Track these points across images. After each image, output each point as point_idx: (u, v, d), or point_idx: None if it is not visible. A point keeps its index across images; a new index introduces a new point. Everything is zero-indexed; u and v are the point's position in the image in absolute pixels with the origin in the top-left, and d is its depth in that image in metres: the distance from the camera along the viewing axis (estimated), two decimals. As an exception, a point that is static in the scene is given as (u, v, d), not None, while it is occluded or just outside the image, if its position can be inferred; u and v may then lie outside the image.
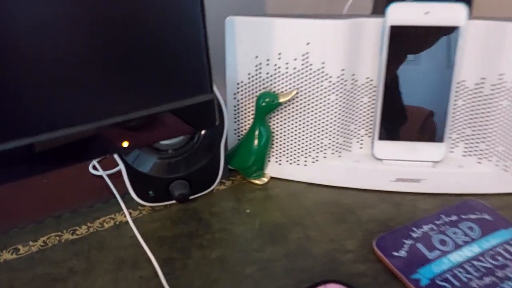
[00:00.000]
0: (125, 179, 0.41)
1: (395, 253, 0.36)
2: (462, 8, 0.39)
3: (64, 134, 0.31)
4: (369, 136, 0.44)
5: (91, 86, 0.30)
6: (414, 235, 0.38)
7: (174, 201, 0.42)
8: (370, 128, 0.44)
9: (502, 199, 0.43)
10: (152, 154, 0.40)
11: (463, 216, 0.40)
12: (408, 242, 0.37)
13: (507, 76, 0.40)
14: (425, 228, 0.38)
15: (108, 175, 0.47)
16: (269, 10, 0.64)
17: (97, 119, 0.31)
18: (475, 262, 0.35)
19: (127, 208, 0.42)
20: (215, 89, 0.38)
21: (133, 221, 0.41)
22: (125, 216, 0.41)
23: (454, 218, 0.40)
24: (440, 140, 0.43)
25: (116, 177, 0.46)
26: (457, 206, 0.41)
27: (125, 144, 0.33)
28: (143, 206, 0.43)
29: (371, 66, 0.42)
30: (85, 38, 0.29)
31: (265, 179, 0.45)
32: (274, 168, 0.46)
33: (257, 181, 0.45)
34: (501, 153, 0.42)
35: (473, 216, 0.40)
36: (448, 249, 0.36)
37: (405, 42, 0.40)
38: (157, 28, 0.31)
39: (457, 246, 0.37)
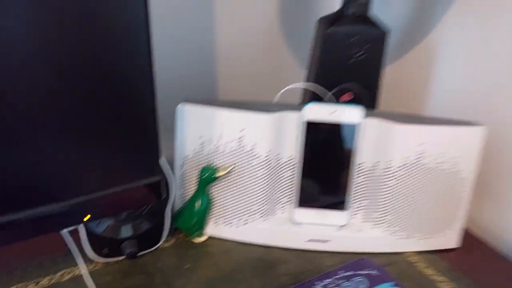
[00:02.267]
0: (83, 238, 0.48)
1: (303, 302, 0.46)
2: (359, 110, 0.51)
3: (27, 215, 0.38)
4: (290, 204, 0.55)
5: (52, 167, 0.38)
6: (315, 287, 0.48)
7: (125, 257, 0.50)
8: (291, 197, 0.54)
9: (389, 258, 0.54)
10: (107, 218, 0.48)
11: (356, 272, 0.50)
12: (316, 293, 0.47)
13: (394, 162, 0.52)
14: (326, 281, 0.48)
15: (70, 231, 0.53)
16: (220, 92, 0.75)
17: (61, 200, 0.39)
18: (362, 310, 0.45)
19: (85, 261, 0.49)
20: (164, 159, 0.47)
21: (90, 274, 0.47)
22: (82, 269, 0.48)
23: (349, 273, 0.50)
24: (344, 209, 0.54)
25: (77, 233, 0.53)
26: (354, 263, 0.52)
27: (87, 217, 0.41)
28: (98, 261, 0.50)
29: (292, 147, 0.53)
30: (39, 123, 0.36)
31: (204, 238, 0.54)
32: (212, 228, 0.55)
33: (197, 239, 0.54)
34: (389, 221, 0.54)
35: (364, 272, 0.51)
36: (342, 300, 0.47)
37: (317, 132, 0.52)
38: (109, 114, 0.39)
39: (350, 297, 0.47)
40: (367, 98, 0.62)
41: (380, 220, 0.54)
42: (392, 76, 0.77)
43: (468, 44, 0.63)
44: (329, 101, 0.59)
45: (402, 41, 0.75)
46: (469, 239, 0.59)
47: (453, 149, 0.52)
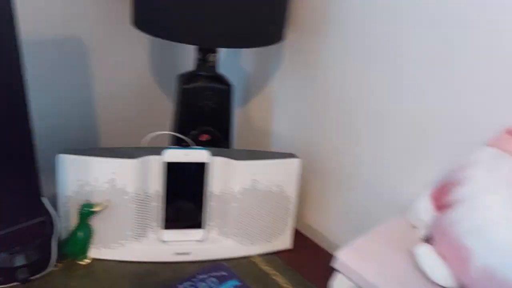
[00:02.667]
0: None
1: (165, 303, 0.60)
2: (206, 152, 0.67)
3: None
4: (158, 226, 0.69)
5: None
6: (177, 290, 0.63)
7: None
8: (159, 221, 0.69)
9: (238, 261, 0.71)
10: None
11: (210, 274, 0.66)
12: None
13: (235, 189, 0.68)
14: (186, 284, 0.64)
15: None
16: (101, 136, 0.88)
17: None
18: (209, 302, 0.61)
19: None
20: (46, 200, 0.59)
21: (-13, 300, 0.57)
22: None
23: (205, 276, 0.66)
24: (202, 227, 0.70)
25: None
26: (208, 268, 0.68)
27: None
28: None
29: (156, 183, 0.67)
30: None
31: (88, 260, 0.66)
32: (95, 252, 0.67)
33: (82, 262, 0.66)
34: (237, 233, 0.71)
35: (216, 274, 0.67)
36: (196, 297, 0.62)
37: (176, 170, 0.66)
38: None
39: (202, 294, 0.63)
40: (222, 138, 0.78)
41: (230, 233, 0.71)
42: (244, 117, 0.95)
43: (296, 91, 0.83)
44: (189, 143, 0.74)
45: (248, 90, 0.93)
46: (301, 240, 0.79)
47: (278, 176, 0.70)
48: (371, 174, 0.73)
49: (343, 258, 0.53)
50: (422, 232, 0.59)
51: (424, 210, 0.58)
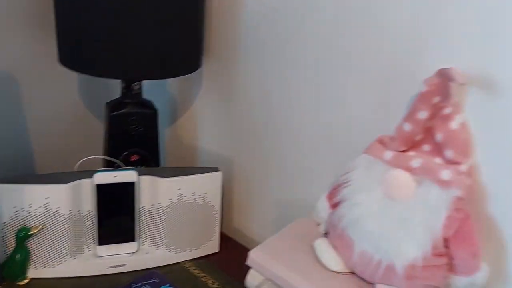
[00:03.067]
0: None
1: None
2: (133, 172, 0.74)
3: None
4: (93, 243, 0.75)
5: None
6: (113, 299, 0.70)
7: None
8: (93, 238, 0.75)
9: (170, 268, 0.79)
10: None
11: (144, 282, 0.74)
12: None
13: (162, 203, 0.76)
14: (121, 293, 0.71)
15: None
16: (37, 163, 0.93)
17: None
18: (143, 307, 0.69)
19: None
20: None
21: None
22: None
23: (139, 284, 0.73)
24: (134, 240, 0.77)
25: None
26: (142, 276, 0.75)
27: None
28: None
29: (89, 204, 0.73)
30: None
31: (27, 280, 0.71)
32: (33, 272, 0.72)
33: (21, 283, 0.71)
34: (167, 242, 0.78)
35: (150, 281, 0.74)
36: (132, 305, 0.69)
37: (106, 191, 0.73)
38: None
39: (137, 302, 0.70)
40: (151, 158, 0.86)
41: (161, 243, 0.78)
42: (173, 136, 1.04)
43: (217, 111, 0.92)
44: (120, 164, 0.81)
45: (175, 112, 1.02)
46: (229, 243, 0.88)
47: (202, 188, 0.79)
48: (285, 180, 0.84)
49: (254, 256, 0.63)
50: (322, 228, 0.70)
51: (323, 209, 0.69)
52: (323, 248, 0.63)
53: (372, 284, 0.59)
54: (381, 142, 0.63)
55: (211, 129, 0.94)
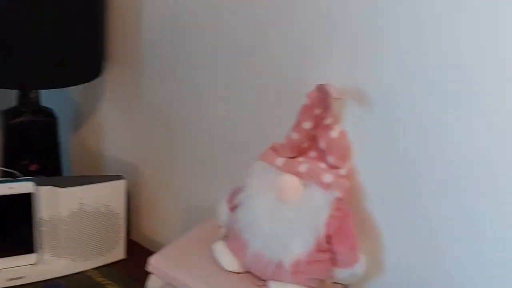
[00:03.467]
0: None
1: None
2: (30, 183, 0.73)
3: None
4: (-11, 257, 0.73)
5: None
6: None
7: None
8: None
9: (74, 277, 0.78)
10: None
11: (44, 293, 0.73)
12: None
13: (63, 213, 0.75)
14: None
15: None
16: None
17: None
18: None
19: None
20: None
21: None
22: None
23: (39, 296, 0.72)
24: (33, 251, 0.75)
25: None
26: (45, 286, 0.74)
27: None
28: None
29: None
30: None
31: None
32: None
33: None
34: (70, 252, 0.78)
35: (50, 292, 0.74)
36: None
37: (1, 203, 0.71)
38: None
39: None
40: (52, 167, 0.84)
41: (63, 253, 0.78)
42: (78, 144, 1.02)
43: (121, 118, 0.92)
44: (17, 175, 0.79)
45: (79, 118, 1.01)
46: (137, 249, 0.89)
47: (105, 197, 0.79)
48: (191, 185, 0.87)
49: (154, 262, 0.65)
50: (224, 231, 0.73)
51: (223, 212, 0.72)
52: (220, 250, 0.66)
53: (264, 281, 0.64)
54: (274, 149, 0.68)
55: (116, 137, 0.95)
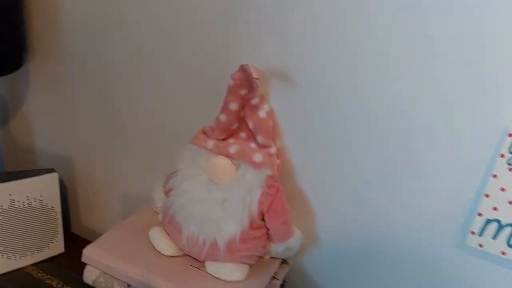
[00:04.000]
0: None
1: None
2: (-47, 183, 0.70)
3: None
4: None
5: None
6: None
7: None
8: None
9: (11, 275, 0.76)
10: None
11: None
12: None
13: (17, 202, 0.73)
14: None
15: None
16: None
17: None
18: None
19: None
20: None
21: None
22: None
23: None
24: (-36, 253, 0.73)
25: None
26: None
27: None
28: None
29: None
30: None
31: None
32: None
33: None
34: (1, 251, 0.75)
35: (-15, 293, 0.71)
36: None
37: None
38: None
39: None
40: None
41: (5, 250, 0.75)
42: (7, 138, 0.98)
43: (49, 109, 0.89)
44: None
45: (6, 112, 0.96)
46: (77, 241, 0.87)
47: (38, 191, 0.77)
48: (128, 174, 0.86)
49: (87, 253, 0.65)
50: (160, 217, 0.74)
51: (158, 198, 0.73)
52: (157, 235, 0.67)
53: (202, 262, 0.65)
54: (204, 132, 0.69)
55: (46, 129, 0.91)
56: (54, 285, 0.75)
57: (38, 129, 0.92)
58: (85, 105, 0.85)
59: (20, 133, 0.95)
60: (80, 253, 0.86)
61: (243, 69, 0.61)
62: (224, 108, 0.65)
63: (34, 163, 0.96)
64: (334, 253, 0.72)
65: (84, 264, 0.80)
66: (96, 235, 0.94)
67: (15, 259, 0.77)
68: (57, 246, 0.82)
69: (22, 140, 0.96)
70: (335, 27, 0.60)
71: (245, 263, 0.65)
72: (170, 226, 0.66)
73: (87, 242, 0.90)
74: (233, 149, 0.65)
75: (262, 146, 0.66)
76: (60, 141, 0.91)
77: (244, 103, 0.65)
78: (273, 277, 0.68)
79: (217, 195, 0.64)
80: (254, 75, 0.60)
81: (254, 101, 0.65)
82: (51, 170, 0.79)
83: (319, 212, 0.71)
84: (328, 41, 0.61)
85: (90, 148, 0.88)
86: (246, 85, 0.63)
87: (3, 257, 0.76)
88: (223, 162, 0.65)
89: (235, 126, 0.67)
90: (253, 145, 0.67)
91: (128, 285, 0.62)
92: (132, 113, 0.81)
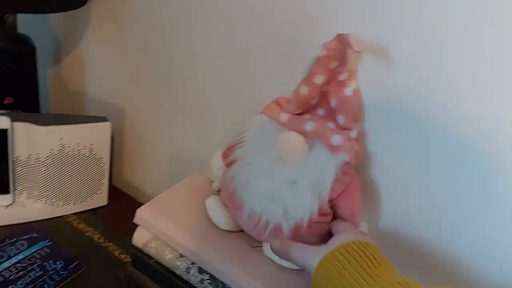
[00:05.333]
0: None
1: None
2: (5, 118, 0.65)
3: None
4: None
5: None
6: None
7: None
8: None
9: (52, 221, 0.73)
10: None
11: (19, 238, 0.68)
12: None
13: (41, 154, 0.69)
14: (-9, 250, 0.64)
15: None
16: None
17: None
18: (17, 265, 0.63)
19: None
20: None
21: None
22: None
23: (14, 240, 0.67)
24: (8, 192, 0.69)
25: None
26: (17, 231, 0.69)
27: None
28: None
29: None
30: None
31: None
32: None
33: None
34: (47, 195, 0.72)
35: (26, 237, 0.68)
36: (3, 260, 0.63)
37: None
38: None
39: (9, 257, 0.64)
40: (28, 102, 0.76)
41: (40, 196, 0.72)
42: (57, 80, 0.93)
43: (107, 54, 0.84)
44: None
45: (59, 51, 0.91)
46: (118, 196, 0.84)
47: (89, 139, 0.73)
48: (180, 134, 0.81)
49: (141, 214, 0.60)
50: (216, 185, 0.69)
51: (217, 166, 0.67)
52: (214, 206, 0.62)
53: (259, 242, 0.61)
54: (278, 103, 0.62)
55: (99, 76, 0.86)
56: (95, 239, 0.73)
57: (91, 75, 0.87)
58: (143, 58, 0.79)
59: (71, 76, 0.90)
60: (122, 208, 0.82)
61: (341, 38, 0.54)
62: (307, 80, 0.59)
63: (81, 109, 0.92)
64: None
65: (125, 220, 0.77)
66: (137, 191, 0.91)
67: (57, 206, 0.74)
68: (101, 198, 0.79)
69: (72, 84, 0.91)
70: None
71: (306, 247, 0.60)
72: (229, 199, 0.61)
73: (129, 197, 0.87)
74: (309, 127, 0.59)
75: (342, 128, 0.59)
76: (112, 90, 0.86)
77: (331, 78, 0.58)
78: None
79: (285, 175, 0.58)
80: (355, 47, 0.53)
81: (343, 76, 0.58)
82: (103, 119, 0.74)
83: (385, 210, 0.65)
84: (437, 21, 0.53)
85: (143, 103, 0.83)
86: (338, 58, 0.57)
87: (45, 203, 0.73)
88: (296, 140, 0.59)
89: (314, 101, 0.61)
90: (331, 124, 0.60)
91: (181, 255, 0.58)
92: (196, 67, 0.74)
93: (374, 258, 0.46)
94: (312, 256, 0.49)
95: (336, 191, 0.58)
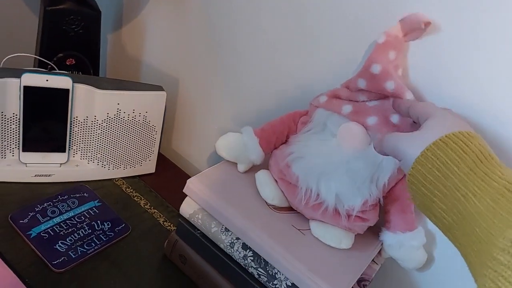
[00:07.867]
0: None
1: (21, 221, 0.63)
2: (68, 79, 0.67)
3: None
4: (17, 148, 0.69)
5: None
6: (36, 209, 0.66)
7: None
8: (18, 144, 0.69)
9: (101, 183, 0.75)
10: None
11: (71, 195, 0.70)
12: (37, 213, 0.65)
13: (98, 117, 0.71)
14: (45, 204, 0.67)
15: None
16: None
17: None
18: (67, 221, 0.66)
19: None
20: None
21: None
22: None
23: (65, 197, 0.70)
24: (64, 150, 0.72)
25: None
26: (69, 189, 0.71)
27: None
28: None
29: (15, 106, 0.66)
30: None
31: None
32: None
33: None
34: (100, 157, 0.74)
35: (77, 195, 0.71)
36: (54, 216, 0.66)
37: (35, 94, 0.66)
38: None
39: (60, 213, 0.66)
40: (89, 64, 0.78)
41: (93, 157, 0.74)
42: (116, 45, 0.94)
43: (167, 23, 0.84)
44: (53, 67, 0.73)
45: (121, 17, 0.92)
46: (165, 164, 0.85)
47: (144, 107, 0.73)
48: (231, 109, 0.81)
49: (191, 185, 0.61)
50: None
51: (253, 148, 0.65)
52: (264, 179, 0.61)
53: (307, 222, 0.60)
54: (337, 96, 0.60)
55: (158, 43, 0.87)
56: (142, 205, 0.74)
57: (150, 43, 0.88)
58: (204, 25, 0.78)
59: (130, 43, 0.92)
60: (168, 177, 0.84)
61: (406, 21, 0.52)
62: (364, 72, 0.56)
63: (136, 76, 0.93)
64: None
65: (171, 189, 0.79)
66: (184, 162, 0.93)
67: (108, 169, 0.76)
68: (149, 166, 0.80)
69: (130, 50, 0.92)
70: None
71: (354, 231, 0.59)
72: (281, 174, 0.61)
73: (174, 166, 0.88)
74: (371, 121, 0.57)
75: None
76: (169, 57, 0.86)
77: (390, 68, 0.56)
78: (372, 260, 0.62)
79: (344, 160, 0.57)
80: (425, 20, 0.50)
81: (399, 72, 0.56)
82: (160, 88, 0.75)
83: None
84: None
85: (198, 73, 0.83)
86: (397, 47, 0.54)
87: (98, 165, 0.75)
88: (358, 130, 0.57)
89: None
90: (395, 117, 0.58)
91: (226, 229, 0.59)
92: (254, 43, 0.73)
93: (482, 153, 0.40)
94: (409, 145, 0.43)
95: (389, 185, 0.57)
